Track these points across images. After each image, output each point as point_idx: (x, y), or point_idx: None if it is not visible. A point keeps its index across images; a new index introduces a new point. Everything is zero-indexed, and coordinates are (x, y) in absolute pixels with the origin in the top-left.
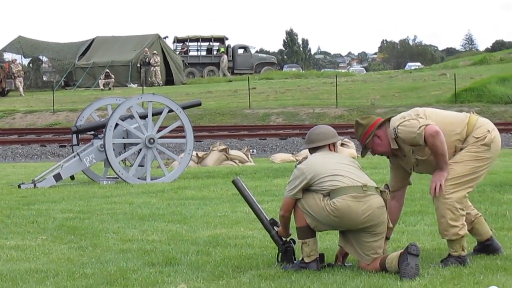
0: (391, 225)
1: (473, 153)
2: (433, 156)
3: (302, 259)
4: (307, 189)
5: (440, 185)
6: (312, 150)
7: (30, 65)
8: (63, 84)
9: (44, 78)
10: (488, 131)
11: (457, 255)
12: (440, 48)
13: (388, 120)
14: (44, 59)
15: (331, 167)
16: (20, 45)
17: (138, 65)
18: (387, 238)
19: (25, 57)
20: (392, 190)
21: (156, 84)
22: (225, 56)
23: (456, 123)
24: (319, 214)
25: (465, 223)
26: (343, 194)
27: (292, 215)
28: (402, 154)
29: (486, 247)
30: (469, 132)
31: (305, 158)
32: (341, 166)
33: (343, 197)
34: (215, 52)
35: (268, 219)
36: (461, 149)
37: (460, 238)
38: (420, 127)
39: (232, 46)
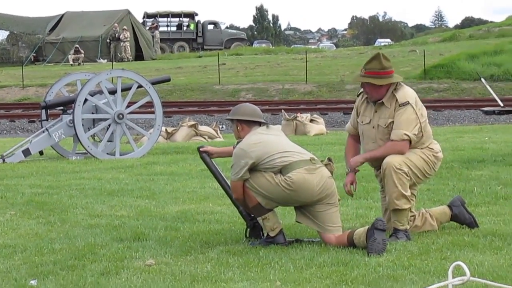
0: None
1: (426, 156)
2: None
3: (268, 234)
4: (253, 168)
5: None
6: (244, 123)
7: (8, 40)
8: (32, 59)
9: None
10: (440, 151)
11: (405, 228)
12: (410, 25)
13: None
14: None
15: (276, 144)
16: None
17: (108, 40)
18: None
19: None
20: (351, 134)
21: (126, 60)
22: (157, 32)
23: (430, 137)
24: (271, 192)
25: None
26: (297, 168)
27: None
28: (378, 108)
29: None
30: (428, 144)
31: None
32: (285, 142)
33: (298, 170)
34: (185, 28)
35: None
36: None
37: (407, 210)
38: (408, 131)
39: (202, 21)
